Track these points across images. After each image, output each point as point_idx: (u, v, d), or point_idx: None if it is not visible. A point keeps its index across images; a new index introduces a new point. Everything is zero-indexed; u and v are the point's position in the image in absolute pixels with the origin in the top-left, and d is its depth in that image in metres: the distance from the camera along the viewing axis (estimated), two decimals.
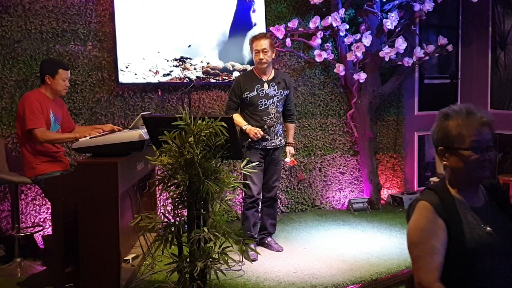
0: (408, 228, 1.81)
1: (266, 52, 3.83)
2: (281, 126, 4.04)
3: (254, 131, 3.78)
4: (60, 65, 3.67)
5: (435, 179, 4.68)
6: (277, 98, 3.90)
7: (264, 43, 3.83)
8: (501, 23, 5.74)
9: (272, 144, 3.92)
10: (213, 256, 2.79)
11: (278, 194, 4.19)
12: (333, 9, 5.12)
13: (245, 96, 3.86)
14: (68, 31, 4.34)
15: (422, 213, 1.78)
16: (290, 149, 4.10)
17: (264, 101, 3.85)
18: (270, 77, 3.93)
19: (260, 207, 4.08)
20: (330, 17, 5.02)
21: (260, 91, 3.86)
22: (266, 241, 4.10)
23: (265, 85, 3.88)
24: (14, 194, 3.75)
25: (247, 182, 3.86)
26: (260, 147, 3.88)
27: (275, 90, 3.89)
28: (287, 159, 4.09)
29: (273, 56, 3.94)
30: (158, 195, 4.37)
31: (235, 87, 3.91)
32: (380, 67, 5.38)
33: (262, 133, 3.80)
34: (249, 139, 3.82)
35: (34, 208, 4.26)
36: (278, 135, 3.96)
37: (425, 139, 5.99)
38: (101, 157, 3.14)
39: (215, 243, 2.78)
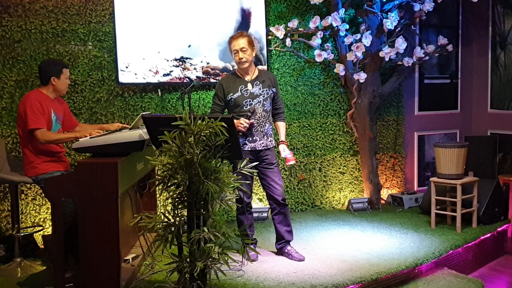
0: None
1: (245, 51, 3.69)
2: (271, 127, 3.88)
3: (240, 122, 3.60)
4: (63, 65, 3.68)
5: (435, 179, 4.68)
6: (263, 96, 3.76)
7: (242, 42, 3.69)
8: (501, 23, 5.74)
9: (262, 144, 3.77)
10: (213, 256, 2.79)
11: (286, 199, 3.90)
12: (333, 9, 5.12)
13: (229, 98, 3.73)
14: (68, 31, 4.34)
15: None
16: (283, 147, 3.83)
17: (249, 100, 3.72)
18: (254, 77, 3.79)
19: (272, 216, 3.93)
20: (330, 17, 5.02)
21: (244, 91, 3.74)
22: (286, 250, 3.90)
23: (249, 85, 3.75)
24: (14, 194, 3.75)
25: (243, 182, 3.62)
26: (248, 149, 3.73)
27: (259, 89, 3.76)
28: (284, 154, 3.80)
29: (254, 54, 3.78)
30: (158, 195, 4.37)
31: (218, 90, 3.78)
32: (380, 67, 5.38)
33: (247, 121, 3.64)
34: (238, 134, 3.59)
35: (34, 208, 4.27)
36: (268, 135, 3.80)
37: (425, 139, 5.99)
38: (101, 157, 3.14)
39: (215, 243, 2.78)
